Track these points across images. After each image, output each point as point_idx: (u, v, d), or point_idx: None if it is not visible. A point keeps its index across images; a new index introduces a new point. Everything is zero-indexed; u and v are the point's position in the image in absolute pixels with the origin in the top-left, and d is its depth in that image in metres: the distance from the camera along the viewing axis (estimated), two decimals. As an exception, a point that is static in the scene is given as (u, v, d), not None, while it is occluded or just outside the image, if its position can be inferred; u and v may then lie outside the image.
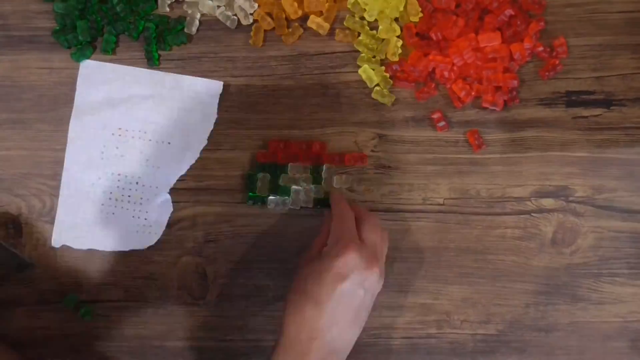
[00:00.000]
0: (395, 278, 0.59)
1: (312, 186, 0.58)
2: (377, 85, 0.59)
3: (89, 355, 0.58)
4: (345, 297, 0.48)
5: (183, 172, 0.59)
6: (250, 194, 0.59)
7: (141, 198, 0.58)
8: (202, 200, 0.59)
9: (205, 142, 0.59)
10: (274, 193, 0.58)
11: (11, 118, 0.59)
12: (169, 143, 0.59)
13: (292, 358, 0.48)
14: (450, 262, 0.59)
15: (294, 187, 0.58)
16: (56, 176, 0.59)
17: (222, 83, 0.59)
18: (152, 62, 0.59)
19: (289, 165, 0.58)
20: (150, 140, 0.59)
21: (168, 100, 0.59)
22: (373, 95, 0.59)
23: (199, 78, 0.59)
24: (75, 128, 0.59)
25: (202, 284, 0.59)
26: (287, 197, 0.58)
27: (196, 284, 0.59)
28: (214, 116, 0.59)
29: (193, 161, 0.59)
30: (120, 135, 0.59)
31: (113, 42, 0.59)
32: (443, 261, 0.59)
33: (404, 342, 0.59)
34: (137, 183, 0.59)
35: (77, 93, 0.59)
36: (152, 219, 0.59)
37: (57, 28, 0.59)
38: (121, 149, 0.59)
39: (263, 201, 0.58)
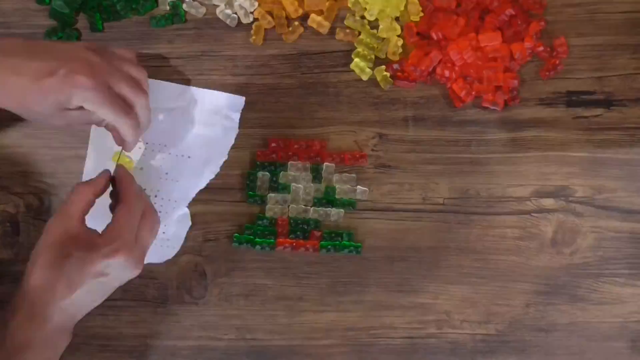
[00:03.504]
0: (395, 278, 0.59)
1: (312, 185, 0.58)
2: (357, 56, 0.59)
3: (87, 354, 0.58)
4: (98, 286, 0.49)
5: (202, 186, 0.58)
6: (250, 192, 0.58)
7: (159, 212, 0.57)
8: (201, 199, 0.59)
9: (225, 157, 0.58)
10: (274, 192, 0.58)
11: (9, 116, 0.58)
12: (189, 157, 0.58)
13: (33, 327, 0.47)
14: (450, 261, 0.59)
15: (293, 185, 0.58)
16: (55, 174, 0.59)
17: (244, 98, 0.59)
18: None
19: (288, 164, 0.58)
20: (170, 153, 0.58)
21: (189, 114, 0.58)
22: (351, 66, 0.59)
23: (222, 92, 0.59)
24: (95, 140, 0.58)
25: (202, 283, 0.58)
26: (287, 195, 0.58)
27: (195, 283, 0.58)
28: (235, 131, 0.58)
29: (213, 176, 0.58)
30: (140, 148, 0.58)
31: (98, 19, 0.59)
32: (443, 261, 0.59)
33: (403, 341, 0.58)
34: (155, 196, 0.58)
35: None
36: (170, 233, 0.58)
37: (49, 29, 0.59)
38: (141, 161, 0.58)
39: (263, 200, 0.58)
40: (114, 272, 0.49)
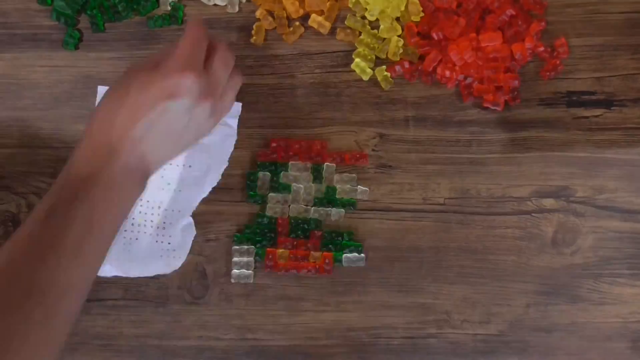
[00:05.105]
0: (395, 278, 0.59)
1: (313, 185, 0.58)
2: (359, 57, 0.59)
3: (87, 354, 0.58)
4: (167, 115, 0.44)
5: (205, 194, 0.58)
6: (251, 192, 0.58)
7: (164, 222, 0.58)
8: (202, 199, 0.59)
9: (226, 164, 0.58)
10: (275, 192, 0.58)
11: (12, 116, 0.59)
12: (190, 166, 0.58)
13: (96, 158, 0.43)
14: (451, 261, 0.59)
15: (294, 185, 0.58)
16: (56, 174, 0.58)
17: (240, 104, 0.58)
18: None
19: (289, 164, 0.58)
20: (171, 164, 0.57)
21: None
22: (352, 66, 0.59)
23: None
24: None
25: (202, 283, 0.58)
26: (287, 195, 0.58)
27: (196, 283, 0.58)
28: (234, 137, 0.58)
29: (215, 183, 0.58)
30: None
31: (100, 19, 0.59)
32: (443, 261, 0.59)
33: (404, 341, 0.58)
34: (159, 207, 0.58)
35: None
36: (176, 243, 0.58)
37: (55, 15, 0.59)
38: None
39: (263, 200, 0.58)
40: (184, 102, 0.44)
